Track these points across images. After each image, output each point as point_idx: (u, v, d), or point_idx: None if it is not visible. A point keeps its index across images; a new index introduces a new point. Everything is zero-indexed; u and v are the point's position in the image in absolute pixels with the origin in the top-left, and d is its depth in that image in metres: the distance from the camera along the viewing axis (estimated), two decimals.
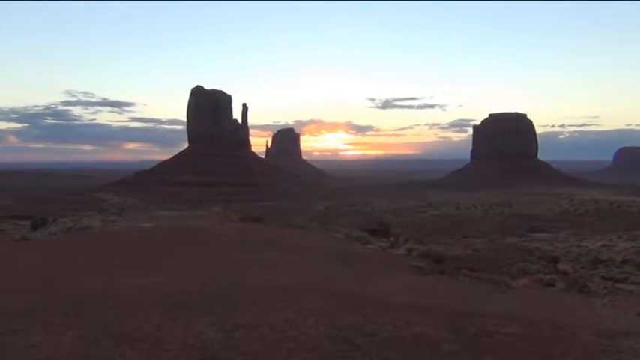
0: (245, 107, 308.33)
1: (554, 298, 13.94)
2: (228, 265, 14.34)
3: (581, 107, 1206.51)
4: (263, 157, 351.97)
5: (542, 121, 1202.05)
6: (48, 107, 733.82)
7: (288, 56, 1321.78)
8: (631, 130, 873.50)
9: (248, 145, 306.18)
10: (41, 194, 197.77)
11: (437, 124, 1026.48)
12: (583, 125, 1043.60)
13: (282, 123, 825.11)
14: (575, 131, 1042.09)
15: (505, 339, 7.04)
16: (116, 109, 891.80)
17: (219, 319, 7.48)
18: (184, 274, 12.66)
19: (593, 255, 51.59)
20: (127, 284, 11.19)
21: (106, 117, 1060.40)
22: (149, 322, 7.37)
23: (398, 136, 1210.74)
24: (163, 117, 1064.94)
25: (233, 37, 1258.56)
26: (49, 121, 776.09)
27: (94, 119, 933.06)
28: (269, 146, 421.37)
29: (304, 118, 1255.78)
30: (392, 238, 30.20)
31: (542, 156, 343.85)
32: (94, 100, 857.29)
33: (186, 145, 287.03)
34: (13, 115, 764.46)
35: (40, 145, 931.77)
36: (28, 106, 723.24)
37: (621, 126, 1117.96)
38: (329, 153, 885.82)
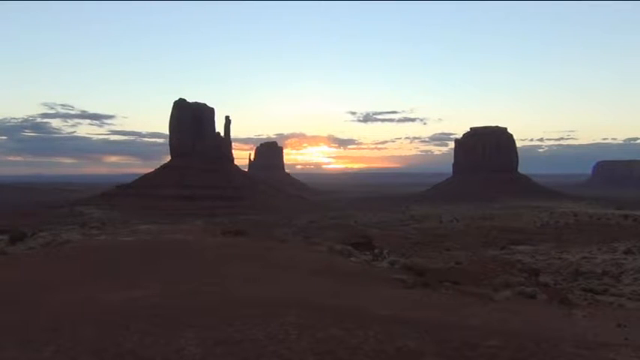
0: (228, 120, 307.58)
1: (536, 311, 14.02)
2: (210, 279, 14.19)
3: (559, 121, 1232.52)
4: (246, 170, 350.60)
5: (522, 134, 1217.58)
6: (26, 120, 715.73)
7: (270, 70, 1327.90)
8: (608, 144, 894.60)
9: (231, 158, 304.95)
10: (20, 208, 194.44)
11: (418, 138, 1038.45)
12: (561, 139, 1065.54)
13: (265, 136, 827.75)
14: (553, 145, 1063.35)
15: (488, 352, 7.04)
16: (96, 121, 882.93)
17: (200, 334, 7.39)
18: (165, 289, 12.49)
19: (573, 267, 52.13)
20: (106, 299, 11.00)
21: (85, 130, 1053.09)
22: (129, 337, 7.25)
23: (380, 149, 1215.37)
24: (144, 130, 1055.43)
25: (216, 51, 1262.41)
26: (28, 133, 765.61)
27: (74, 132, 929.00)
28: (252, 159, 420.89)
29: (286, 131, 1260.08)
30: (375, 251, 30.26)
31: (522, 169, 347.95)
32: (73, 112, 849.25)
33: (168, 158, 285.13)
34: None
35: (19, 158, 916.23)
36: (5, 119, 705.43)
37: (598, 140, 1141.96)
38: (312, 166, 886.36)
